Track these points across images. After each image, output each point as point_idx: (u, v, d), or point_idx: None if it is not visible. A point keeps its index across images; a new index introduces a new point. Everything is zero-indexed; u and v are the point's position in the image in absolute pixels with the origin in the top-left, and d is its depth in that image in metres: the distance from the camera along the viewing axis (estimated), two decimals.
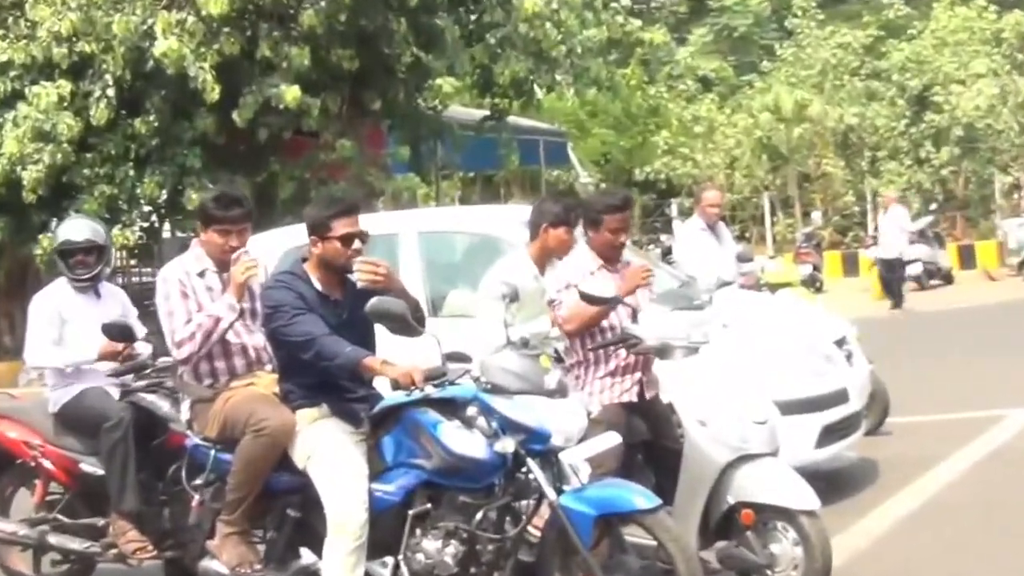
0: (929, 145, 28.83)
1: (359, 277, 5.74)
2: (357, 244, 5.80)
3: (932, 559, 6.94)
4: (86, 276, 7.31)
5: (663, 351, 6.34)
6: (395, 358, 5.70)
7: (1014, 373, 13.11)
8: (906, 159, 29.28)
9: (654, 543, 5.45)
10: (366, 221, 6.20)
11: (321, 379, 5.65)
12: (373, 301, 5.59)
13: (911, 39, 31.38)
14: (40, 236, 17.38)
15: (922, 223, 25.09)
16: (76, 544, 7.19)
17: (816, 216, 29.69)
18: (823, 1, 35.84)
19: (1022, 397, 11.36)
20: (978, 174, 28.71)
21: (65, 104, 17.42)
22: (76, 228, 7.62)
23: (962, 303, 21.49)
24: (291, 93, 17.12)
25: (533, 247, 7.03)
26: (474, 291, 8.09)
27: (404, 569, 5.59)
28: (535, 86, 21.41)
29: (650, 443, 6.35)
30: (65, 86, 17.48)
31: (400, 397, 5.65)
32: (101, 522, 7.01)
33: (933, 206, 27.72)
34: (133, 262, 23.75)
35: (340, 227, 5.74)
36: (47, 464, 7.24)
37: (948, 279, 24.33)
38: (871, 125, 29.41)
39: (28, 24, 17.97)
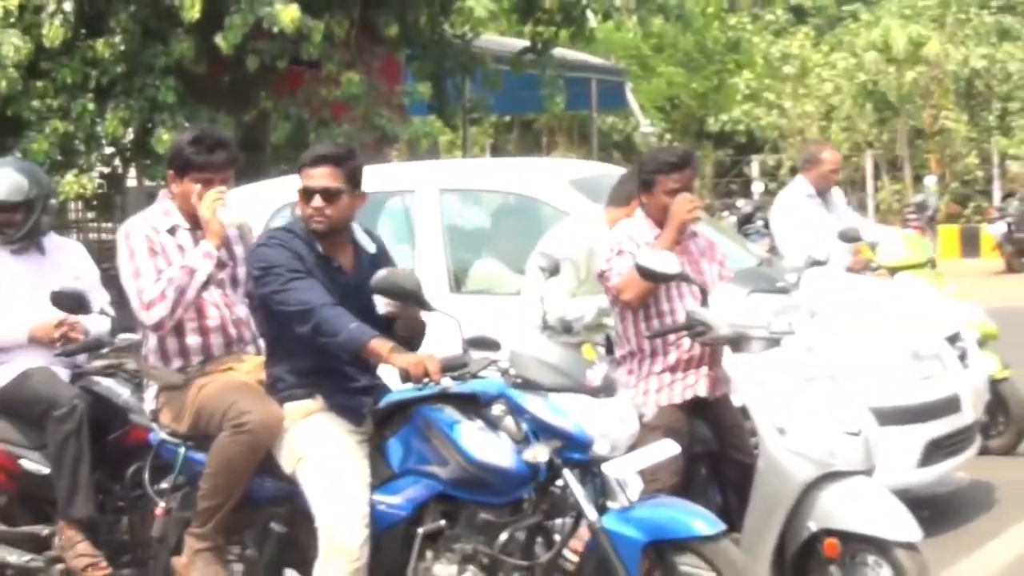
0: None
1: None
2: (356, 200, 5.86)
3: None
4: (17, 236, 7.36)
5: (737, 342, 6.37)
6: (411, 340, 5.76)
7: None
8: None
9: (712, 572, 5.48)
10: (376, 173, 6.25)
11: (317, 363, 5.67)
12: (381, 272, 5.62)
13: None
14: None
15: None
16: (14, 557, 7.26)
17: (930, 182, 29.51)
18: None
19: None
20: None
21: (12, 20, 17.47)
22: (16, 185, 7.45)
23: None
24: (288, 13, 17.05)
25: (627, 209, 6.97)
26: (504, 262, 8.14)
27: None
28: (588, 11, 21.37)
29: (716, 454, 6.40)
30: (12, 4, 17.58)
31: (411, 391, 5.67)
32: (45, 531, 7.10)
33: None
34: (91, 215, 23.71)
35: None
36: None
37: None
38: (1002, 71, 29.29)
39: None
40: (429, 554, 5.62)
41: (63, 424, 6.91)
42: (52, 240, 7.60)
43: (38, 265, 7.36)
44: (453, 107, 21.11)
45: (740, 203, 28.72)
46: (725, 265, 6.93)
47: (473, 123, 21.88)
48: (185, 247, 6.15)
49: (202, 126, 7.37)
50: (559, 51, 23.06)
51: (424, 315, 5.83)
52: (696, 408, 6.38)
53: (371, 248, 5.95)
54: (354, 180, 5.86)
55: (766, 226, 16.17)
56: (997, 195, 29.27)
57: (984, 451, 9.62)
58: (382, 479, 5.64)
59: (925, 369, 8.55)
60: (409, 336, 5.84)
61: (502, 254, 8.57)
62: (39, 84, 17.84)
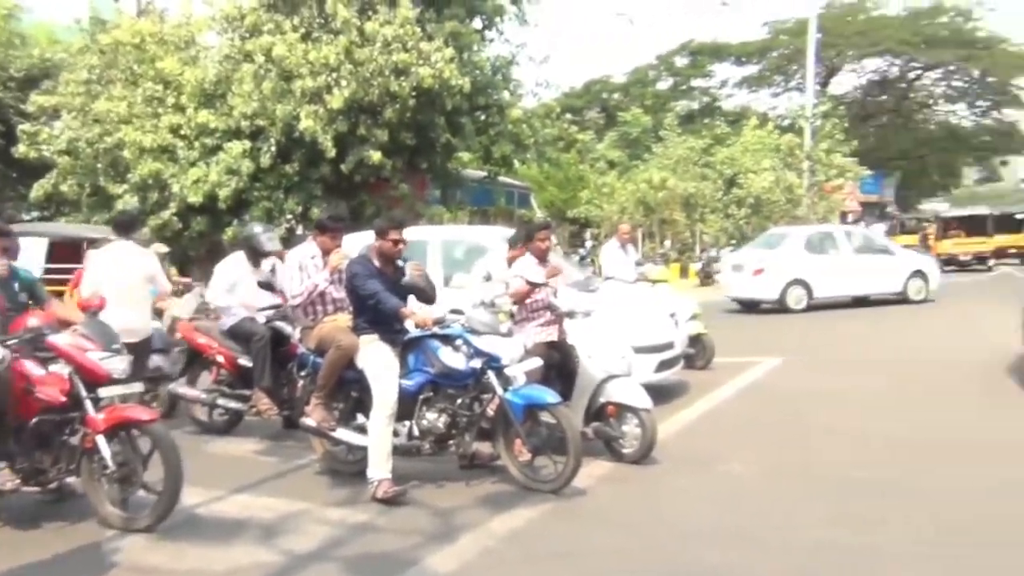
0: (734, 207, 28.80)
1: (409, 272, 5.69)
2: (400, 245, 5.74)
3: (714, 437, 6.95)
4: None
5: (570, 314, 6.35)
6: (419, 309, 5.70)
7: (762, 336, 13.21)
8: (720, 215, 29.23)
9: (556, 422, 5.44)
10: (410, 232, 6.17)
11: (375, 318, 5.57)
12: (406, 278, 5.59)
13: (729, 146, 31.29)
14: (227, 228, 17.40)
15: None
16: (233, 404, 7.17)
17: (667, 244, 29.65)
18: (681, 121, 35.89)
19: (767, 350, 11.43)
20: (761, 225, 28.72)
21: (245, 154, 17.31)
22: (268, 238, 7.38)
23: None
24: (376, 156, 17.04)
25: (518, 251, 6.76)
26: (468, 274, 8.06)
27: (415, 428, 5.57)
28: (515, 161, 21.35)
29: (560, 365, 6.30)
30: (246, 144, 17.37)
31: (419, 332, 5.62)
32: (248, 393, 7.00)
33: (733, 242, 27.73)
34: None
35: (392, 234, 5.69)
36: (219, 358, 7.22)
37: None
38: (702, 194, 29.31)
39: (228, 107, 17.83)
40: (424, 408, 5.58)
41: (258, 344, 6.82)
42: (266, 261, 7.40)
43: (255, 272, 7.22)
44: (450, 203, 20.99)
45: (580, 251, 28.82)
46: (563, 279, 6.86)
47: (459, 210, 21.72)
48: (318, 266, 6.02)
49: (332, 208, 7.22)
50: (502, 178, 23.03)
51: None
52: (552, 345, 6.27)
53: (401, 264, 5.84)
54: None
55: (592, 262, 16.12)
56: (697, 249, 29.54)
57: (689, 367, 9.67)
58: (403, 373, 5.56)
59: (659, 328, 8.52)
60: (427, 296, 5.78)
61: (467, 270, 8.48)
62: (257, 184, 17.69)
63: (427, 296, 5.76)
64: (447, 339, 5.53)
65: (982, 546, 4.39)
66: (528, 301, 6.25)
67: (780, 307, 17.35)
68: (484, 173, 22.11)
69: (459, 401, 5.55)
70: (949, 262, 28.10)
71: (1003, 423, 7.22)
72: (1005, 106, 46.46)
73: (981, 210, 32.96)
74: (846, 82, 48.42)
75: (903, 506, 5.04)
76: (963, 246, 29.44)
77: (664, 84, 49.42)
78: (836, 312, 16.98)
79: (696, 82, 49.45)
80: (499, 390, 5.41)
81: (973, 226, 31.09)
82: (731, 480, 5.74)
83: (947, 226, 32.08)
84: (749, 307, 18.03)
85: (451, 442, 5.62)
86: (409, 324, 5.60)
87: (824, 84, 44.52)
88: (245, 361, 7.00)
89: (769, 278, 17.42)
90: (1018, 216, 32.51)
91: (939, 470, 5.80)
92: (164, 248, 9.96)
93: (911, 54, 44.68)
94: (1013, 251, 30.66)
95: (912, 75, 48.01)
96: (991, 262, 29.21)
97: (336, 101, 16.49)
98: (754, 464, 6.07)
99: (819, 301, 17.37)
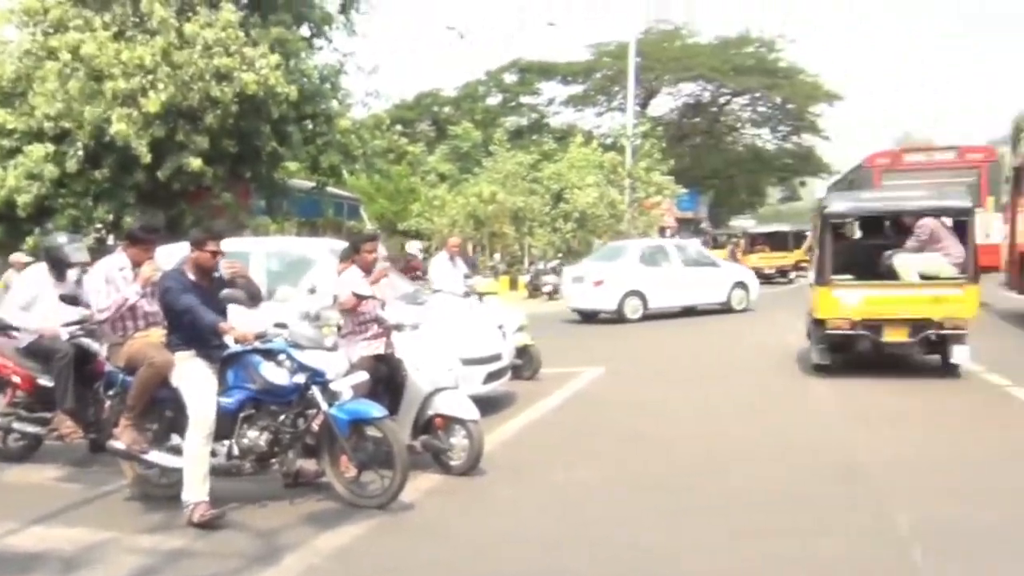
0: (561, 222, 29.64)
1: (224, 271, 5.48)
2: (217, 257, 5.52)
3: (539, 447, 7.10)
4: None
5: (398, 327, 6.31)
6: (240, 324, 5.48)
7: (586, 345, 13.68)
8: (547, 229, 30.00)
9: (382, 436, 5.36)
10: (230, 243, 5.95)
11: (192, 334, 5.32)
12: (224, 292, 5.38)
13: (556, 162, 32.20)
14: (27, 238, 16.18)
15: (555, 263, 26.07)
16: (31, 428, 6.63)
17: (497, 257, 30.08)
18: (510, 136, 36.62)
19: (588, 360, 11.83)
20: (586, 239, 29.72)
21: (48, 158, 16.11)
22: (75, 248, 6.86)
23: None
24: (196, 163, 16.31)
25: (348, 263, 6.52)
26: (294, 287, 7.85)
27: (235, 447, 5.36)
28: (344, 171, 21.06)
29: (388, 379, 6.23)
30: (50, 147, 16.18)
31: (239, 347, 5.40)
32: (49, 415, 6.49)
33: (560, 255, 28.57)
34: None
35: (209, 245, 5.47)
36: (15, 379, 6.66)
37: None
38: (530, 208, 29.96)
39: (29, 106, 16.54)
40: (245, 426, 5.37)
41: (60, 362, 6.34)
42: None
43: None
44: (277, 213, 20.39)
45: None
46: (398, 291, 6.83)
47: (286, 221, 21.15)
48: (127, 278, 5.70)
49: (146, 218, 6.84)
50: (330, 189, 22.64)
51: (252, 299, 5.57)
52: (379, 358, 6.21)
53: (218, 274, 5.60)
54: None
55: (425, 273, 16.05)
56: (526, 262, 30.16)
57: (517, 377, 9.79)
58: (223, 390, 5.34)
59: (487, 339, 8.61)
60: (252, 296, 5.55)
61: (293, 283, 8.26)
62: (63, 191, 16.52)
63: (251, 297, 5.53)
64: (269, 354, 5.35)
65: (781, 537, 4.74)
66: (355, 314, 6.15)
67: (618, 317, 18.06)
68: (312, 183, 21.66)
69: (282, 418, 5.39)
70: (755, 275, 30.11)
71: (794, 416, 7.82)
72: (803, 131, 50.60)
73: (783, 227, 35.71)
74: (664, 104, 51.26)
75: (708, 506, 5.35)
76: (767, 260, 31.66)
77: (494, 100, 50.29)
78: (667, 321, 17.88)
79: (525, 99, 50.65)
80: (324, 405, 5.29)
81: (776, 242, 33.62)
82: (555, 488, 5.89)
83: (754, 241, 34.50)
84: (589, 317, 18.64)
85: (274, 460, 5.44)
86: (229, 339, 5.38)
87: (644, 105, 46.85)
88: (45, 381, 6.50)
89: (608, 289, 18.12)
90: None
91: (738, 470, 6.20)
92: None
93: (721, 80, 47.82)
94: (806, 264, 33.33)
95: (722, 100, 51.38)
96: (792, 275, 31.60)
97: (152, 105, 15.67)
98: (576, 471, 6.26)
99: (653, 311, 18.24)
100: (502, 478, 6.06)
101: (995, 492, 5.43)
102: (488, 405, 7.71)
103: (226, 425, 5.29)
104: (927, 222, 9.81)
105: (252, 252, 8.83)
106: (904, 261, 9.80)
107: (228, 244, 5.86)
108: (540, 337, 10.98)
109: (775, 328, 15.27)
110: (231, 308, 5.55)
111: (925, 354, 9.97)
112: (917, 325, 9.44)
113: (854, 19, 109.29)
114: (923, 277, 9.64)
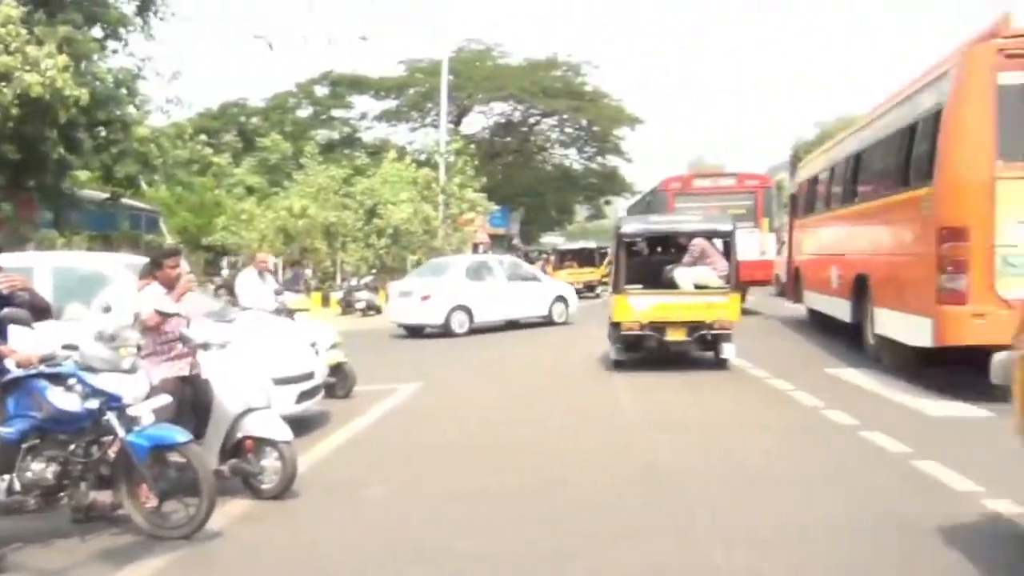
0: (375, 237, 29.37)
1: (2, 286, 4.97)
2: None
3: (353, 464, 6.98)
4: None
5: (204, 346, 6.01)
6: (22, 346, 5.02)
7: (410, 360, 13.64)
8: (361, 244, 29.63)
9: (186, 462, 5.08)
10: (10, 258, 5.44)
11: None
12: (4, 311, 4.90)
13: (369, 177, 31.89)
14: None
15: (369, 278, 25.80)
16: None
17: (308, 272, 29.34)
18: (322, 150, 35.95)
19: (411, 376, 11.79)
20: (400, 255, 29.62)
21: None
22: None
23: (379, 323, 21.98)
24: None
25: (148, 280, 6.04)
26: (84, 306, 7.30)
27: (16, 482, 4.87)
28: (142, 182, 19.88)
29: (193, 401, 5.91)
30: None
31: (22, 372, 4.93)
32: None
33: (374, 271, 28.28)
34: None
35: None
36: None
37: (378, 310, 24.31)
38: (343, 223, 29.49)
39: None
40: (29, 458, 4.90)
41: None
42: None
43: None
44: (64, 226, 18.89)
45: (216, 279, 27.58)
46: (204, 308, 6.51)
47: (75, 235, 19.67)
48: None
49: None
50: (126, 200, 21.35)
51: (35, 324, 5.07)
52: (184, 379, 5.88)
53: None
54: None
55: (230, 291, 15.37)
56: (338, 278, 29.66)
57: (330, 395, 9.59)
58: (2, 419, 4.86)
59: (299, 358, 8.37)
60: (39, 311, 5.05)
61: (84, 300, 7.67)
62: None
63: (39, 311, 5.05)
64: (57, 378, 4.93)
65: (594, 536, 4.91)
66: (159, 333, 5.82)
67: (445, 332, 18.14)
68: (106, 195, 20.27)
69: (72, 447, 4.96)
70: None
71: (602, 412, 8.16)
72: (608, 153, 53.11)
73: (590, 244, 37.29)
74: (476, 122, 52.11)
75: (522, 515, 5.47)
76: (576, 275, 32.88)
77: (304, 112, 49.23)
78: (492, 335, 18.12)
79: (336, 112, 49.92)
80: (120, 432, 4.94)
81: (583, 258, 35.13)
82: (369, 504, 5.82)
83: (563, 257, 35.84)
84: (415, 332, 18.58)
85: (63, 494, 5.00)
86: (9, 363, 4.90)
87: (457, 123, 47.45)
88: None
89: (435, 304, 18.26)
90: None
91: (555, 473, 6.38)
92: None
93: (531, 101, 49.28)
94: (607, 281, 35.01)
95: (532, 120, 52.98)
96: (599, 289, 33.01)
97: None
98: (390, 485, 6.23)
99: (479, 325, 18.50)
100: (315, 498, 5.91)
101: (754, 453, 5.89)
102: (301, 425, 7.50)
103: (7, 457, 4.81)
104: (698, 241, 11.88)
105: (35, 267, 8.09)
106: (681, 273, 11.73)
107: (7, 259, 5.36)
108: (363, 354, 10.84)
109: (591, 341, 15.86)
110: (11, 329, 5.07)
111: (701, 351, 11.74)
112: (693, 327, 11.25)
113: (654, 47, 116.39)
114: (697, 287, 11.51)
